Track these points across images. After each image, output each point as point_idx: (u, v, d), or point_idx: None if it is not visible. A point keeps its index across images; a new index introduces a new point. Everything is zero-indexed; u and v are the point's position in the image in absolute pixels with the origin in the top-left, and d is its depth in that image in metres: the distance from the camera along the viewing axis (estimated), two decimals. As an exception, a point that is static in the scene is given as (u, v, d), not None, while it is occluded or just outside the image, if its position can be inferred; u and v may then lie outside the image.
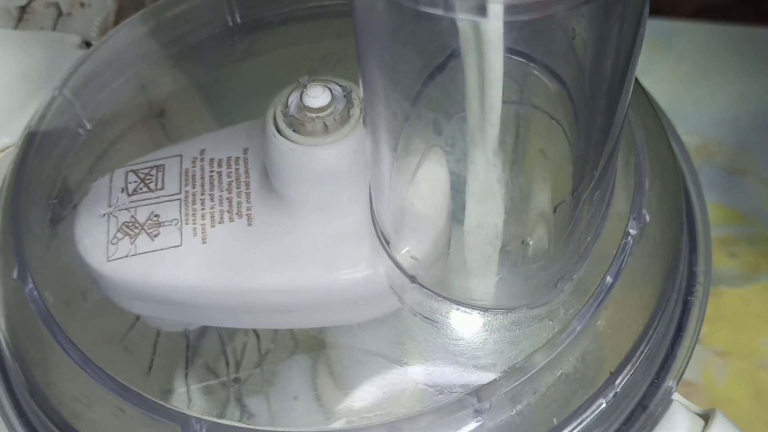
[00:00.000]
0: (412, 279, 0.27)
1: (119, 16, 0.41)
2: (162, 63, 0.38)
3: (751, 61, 0.56)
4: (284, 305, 0.30)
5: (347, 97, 0.29)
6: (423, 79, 0.23)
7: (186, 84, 0.38)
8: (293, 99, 0.29)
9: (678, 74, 0.56)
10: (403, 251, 0.27)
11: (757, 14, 0.58)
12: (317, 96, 0.29)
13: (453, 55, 0.24)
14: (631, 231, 0.29)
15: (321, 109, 0.29)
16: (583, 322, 0.28)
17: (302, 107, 0.29)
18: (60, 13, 0.41)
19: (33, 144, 0.33)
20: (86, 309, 0.32)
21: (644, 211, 0.30)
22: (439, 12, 0.19)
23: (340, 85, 0.29)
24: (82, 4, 0.41)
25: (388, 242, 0.28)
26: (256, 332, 0.35)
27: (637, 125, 0.32)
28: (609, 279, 0.29)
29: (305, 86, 0.29)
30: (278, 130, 0.29)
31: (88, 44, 0.40)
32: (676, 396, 0.30)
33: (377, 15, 0.22)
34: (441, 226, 0.27)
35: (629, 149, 0.31)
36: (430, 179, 0.26)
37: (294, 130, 0.29)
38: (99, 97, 0.36)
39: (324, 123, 0.29)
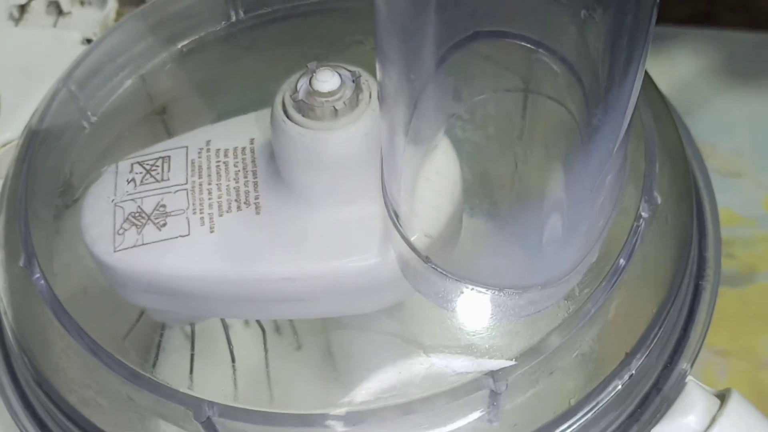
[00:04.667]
0: (426, 260, 0.27)
1: (120, 14, 0.41)
2: (165, 58, 0.38)
3: (742, 65, 0.56)
4: (293, 294, 0.30)
5: (356, 81, 0.29)
6: (445, 47, 0.23)
7: (189, 79, 0.38)
8: (302, 84, 0.29)
9: (670, 80, 0.56)
10: (417, 230, 0.27)
11: (747, 20, 0.59)
12: (327, 80, 0.28)
13: (477, 35, 0.24)
14: (642, 213, 0.29)
15: (330, 94, 0.28)
16: (598, 303, 0.27)
17: (311, 92, 0.28)
18: (60, 12, 0.41)
19: (37, 135, 0.33)
20: (92, 299, 0.31)
21: (655, 194, 0.30)
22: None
23: (349, 70, 0.29)
24: (82, 3, 0.41)
25: (400, 222, 0.27)
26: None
27: (645, 110, 0.32)
28: (622, 261, 0.29)
29: (314, 71, 0.29)
30: (287, 116, 0.29)
31: (89, 41, 0.40)
32: (690, 378, 0.29)
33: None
34: (456, 201, 0.27)
35: (638, 134, 0.31)
36: (445, 152, 0.26)
37: (303, 115, 0.29)
38: (103, 90, 0.36)
39: (334, 107, 0.28)
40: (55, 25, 0.41)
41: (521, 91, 0.28)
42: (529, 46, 0.28)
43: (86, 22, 0.41)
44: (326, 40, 0.38)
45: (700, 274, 0.31)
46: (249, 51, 0.39)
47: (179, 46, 0.38)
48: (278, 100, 0.29)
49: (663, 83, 0.54)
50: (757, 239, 0.50)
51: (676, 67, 0.57)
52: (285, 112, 0.29)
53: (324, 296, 0.30)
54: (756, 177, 0.52)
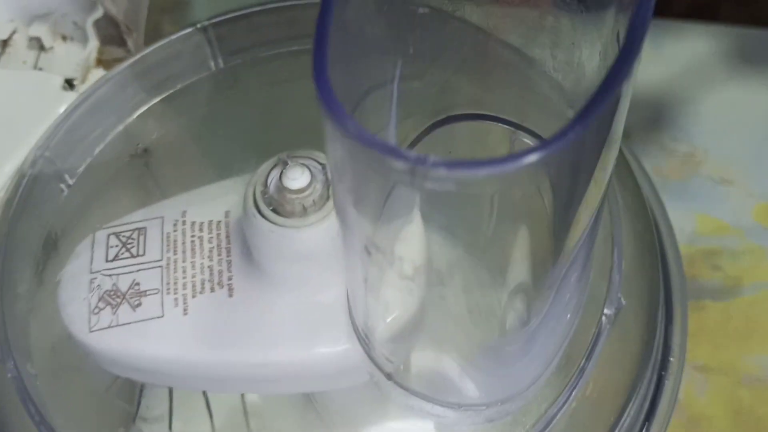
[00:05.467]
0: (388, 377, 0.27)
1: (101, 53, 0.41)
2: (145, 112, 0.37)
3: (741, 64, 0.55)
4: (265, 376, 0.31)
5: (326, 175, 0.29)
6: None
7: (170, 131, 0.38)
8: (273, 178, 0.29)
9: (667, 78, 0.55)
10: (378, 352, 0.27)
11: (746, 14, 0.57)
12: (296, 178, 0.28)
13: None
14: (606, 312, 0.29)
15: (300, 191, 0.28)
16: (558, 411, 0.28)
17: (281, 188, 0.29)
18: (42, 47, 0.41)
19: (14, 207, 0.33)
20: (70, 378, 0.32)
21: (620, 295, 0.30)
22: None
23: (320, 163, 0.29)
24: (64, 38, 0.41)
25: (365, 340, 0.28)
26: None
27: (615, 199, 0.31)
28: (584, 363, 0.29)
29: (285, 164, 0.29)
30: (258, 209, 0.29)
31: (70, 83, 0.40)
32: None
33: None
34: (413, 338, 0.27)
35: (605, 225, 0.31)
36: (399, 301, 0.26)
37: (273, 210, 0.29)
38: (81, 151, 0.36)
39: (303, 205, 0.29)
40: (37, 60, 0.41)
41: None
42: (507, 127, 0.28)
43: (68, 59, 0.41)
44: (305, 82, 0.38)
45: (663, 364, 0.32)
46: (230, 99, 0.39)
47: (157, 99, 0.37)
48: (249, 192, 0.29)
49: (659, 82, 0.54)
50: (745, 251, 0.49)
51: (673, 64, 0.56)
52: (256, 205, 0.29)
53: (295, 379, 0.31)
54: (748, 185, 0.51)
